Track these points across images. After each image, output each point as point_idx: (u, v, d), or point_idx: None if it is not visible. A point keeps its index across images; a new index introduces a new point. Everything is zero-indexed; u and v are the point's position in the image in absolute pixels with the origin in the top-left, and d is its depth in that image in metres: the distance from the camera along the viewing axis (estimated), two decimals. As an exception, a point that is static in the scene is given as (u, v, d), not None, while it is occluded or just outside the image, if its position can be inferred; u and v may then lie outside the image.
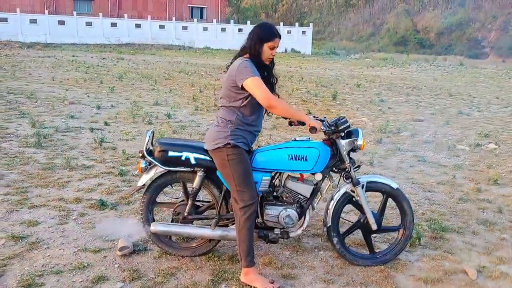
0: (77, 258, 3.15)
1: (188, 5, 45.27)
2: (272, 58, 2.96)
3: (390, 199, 3.28)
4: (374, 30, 66.01)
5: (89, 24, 36.82)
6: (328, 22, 71.34)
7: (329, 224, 3.17)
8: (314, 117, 3.11)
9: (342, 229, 3.30)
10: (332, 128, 3.05)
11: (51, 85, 12.80)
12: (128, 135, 7.01)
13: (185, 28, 40.38)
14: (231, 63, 2.92)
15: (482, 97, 13.94)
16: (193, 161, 3.03)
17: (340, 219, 3.25)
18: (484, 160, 6.26)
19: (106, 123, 7.81)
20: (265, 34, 2.83)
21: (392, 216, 4.04)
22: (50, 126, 7.37)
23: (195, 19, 42.49)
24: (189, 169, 3.08)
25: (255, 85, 2.76)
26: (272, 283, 2.86)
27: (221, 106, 2.96)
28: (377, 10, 69.08)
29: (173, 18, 41.13)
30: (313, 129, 2.91)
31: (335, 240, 3.20)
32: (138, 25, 38.72)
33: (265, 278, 2.90)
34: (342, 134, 3.08)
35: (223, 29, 41.41)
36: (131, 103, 9.97)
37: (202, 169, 3.07)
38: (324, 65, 26.88)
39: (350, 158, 3.14)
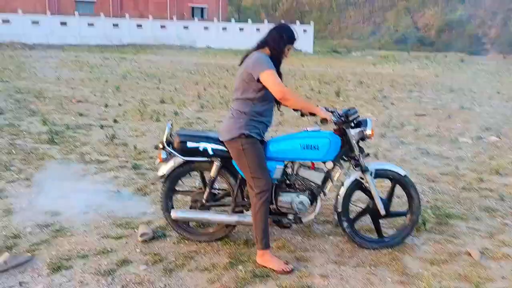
0: (100, 244, 3.33)
1: (189, 5, 45.41)
2: None
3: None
4: (375, 28, 66.09)
5: (91, 24, 36.94)
6: (328, 21, 71.43)
7: (340, 209, 3.34)
8: (324, 108, 3.28)
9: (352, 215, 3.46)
10: (342, 118, 3.21)
11: (57, 84, 12.96)
12: (137, 131, 7.18)
13: (186, 27, 40.48)
14: (246, 55, 3.09)
15: (483, 92, 14.07)
16: (210, 152, 3.20)
17: (351, 205, 3.41)
18: (486, 152, 6.43)
19: (115, 121, 7.98)
20: (290, 35, 3.05)
21: (398, 204, 4.20)
22: (60, 124, 7.55)
23: (196, 19, 42.62)
24: (207, 159, 3.25)
25: (270, 78, 2.92)
26: (287, 264, 3.03)
27: (236, 98, 3.12)
28: (377, 8, 69.13)
29: (174, 18, 41.26)
30: (324, 121, 3.09)
31: (345, 224, 3.36)
32: (139, 25, 38.84)
33: (280, 260, 3.06)
34: (352, 124, 3.25)
35: (224, 29, 41.51)
36: (138, 101, 10.14)
37: (219, 159, 3.24)
38: (325, 63, 27.00)
39: (360, 147, 3.30)
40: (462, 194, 4.67)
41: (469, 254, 3.29)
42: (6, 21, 34.32)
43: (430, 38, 58.02)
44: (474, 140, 7.12)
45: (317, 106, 3.31)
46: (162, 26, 39.80)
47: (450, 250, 3.36)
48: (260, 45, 3.09)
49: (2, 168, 5.05)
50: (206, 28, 40.99)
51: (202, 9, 46.27)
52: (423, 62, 30.40)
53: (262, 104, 3.07)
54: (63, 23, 36.10)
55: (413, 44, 55.57)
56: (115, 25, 37.99)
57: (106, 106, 9.47)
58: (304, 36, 40.53)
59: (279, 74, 3.15)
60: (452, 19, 57.35)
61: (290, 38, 3.05)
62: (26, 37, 34.08)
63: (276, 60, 3.06)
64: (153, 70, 18.36)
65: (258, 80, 2.95)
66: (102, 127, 7.40)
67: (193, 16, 44.91)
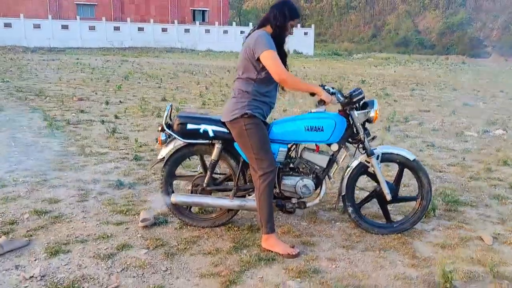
0: (100, 230, 3.23)
1: (191, 8, 45.49)
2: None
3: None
4: (375, 32, 66.20)
5: (92, 28, 37.04)
6: (329, 24, 71.58)
7: (344, 193, 3.23)
8: (331, 88, 3.17)
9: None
10: (346, 100, 3.11)
11: (58, 84, 12.90)
12: (139, 126, 7.10)
13: (187, 31, 40.58)
14: (249, 34, 3.00)
15: (487, 91, 13.97)
16: (211, 134, 3.09)
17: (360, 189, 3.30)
18: (493, 145, 6.32)
19: (116, 117, 7.90)
20: (293, 11, 2.94)
21: (406, 192, 4.10)
22: (61, 120, 7.46)
23: (197, 22, 42.69)
24: (208, 141, 3.15)
25: (270, 58, 2.83)
26: (293, 247, 2.92)
27: (238, 78, 3.02)
28: (378, 11, 69.25)
29: (176, 21, 41.32)
30: (321, 102, 2.98)
31: (350, 209, 3.25)
32: (141, 29, 38.93)
33: (286, 244, 2.96)
34: (357, 105, 3.15)
35: (225, 32, 41.59)
36: (139, 99, 10.06)
37: (220, 141, 3.13)
38: (327, 65, 26.96)
39: (365, 129, 3.19)
40: (471, 183, 4.56)
41: (481, 239, 3.19)
42: (8, 25, 34.45)
43: (431, 41, 58.07)
44: (480, 134, 7.01)
45: (322, 85, 3.21)
46: (163, 30, 39.89)
47: (461, 235, 3.25)
48: (262, 24, 3.00)
49: (2, 159, 4.96)
50: (207, 31, 41.09)
51: (203, 12, 46.35)
52: (425, 63, 30.34)
53: (265, 84, 2.97)
54: (65, 27, 36.20)
55: (413, 47, 55.55)
56: (116, 29, 38.09)
57: (107, 103, 9.39)
58: (305, 39, 40.56)
59: (284, 53, 3.06)
60: (453, 22, 57.40)
61: (293, 13, 2.93)
62: (28, 41, 34.17)
63: (279, 38, 2.97)
64: (155, 71, 18.32)
65: (258, 60, 2.85)
66: (103, 122, 7.31)
67: (194, 19, 44.97)
